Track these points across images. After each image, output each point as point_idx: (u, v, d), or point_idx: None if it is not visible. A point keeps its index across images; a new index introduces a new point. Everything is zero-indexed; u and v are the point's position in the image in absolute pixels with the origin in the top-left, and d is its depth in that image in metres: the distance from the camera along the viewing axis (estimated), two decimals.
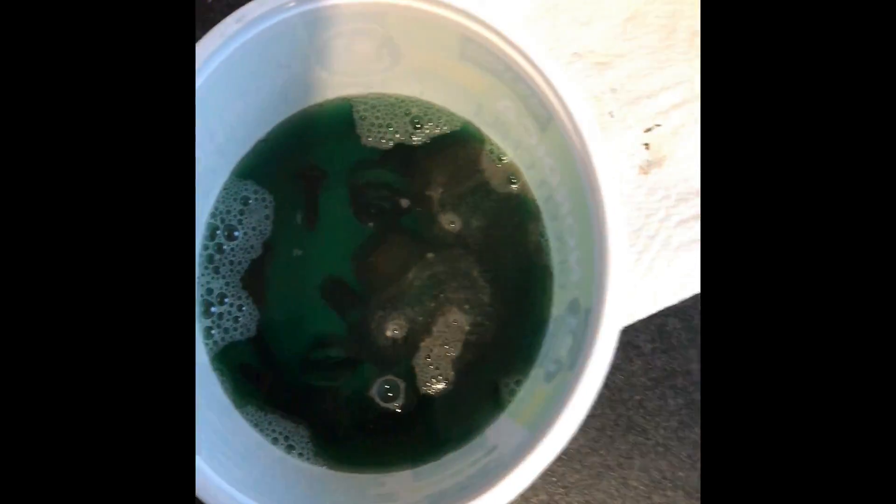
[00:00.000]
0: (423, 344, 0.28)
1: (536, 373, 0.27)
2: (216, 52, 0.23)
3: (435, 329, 0.28)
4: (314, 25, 0.25)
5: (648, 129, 0.33)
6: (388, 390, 0.28)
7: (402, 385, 0.28)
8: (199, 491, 0.21)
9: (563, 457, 0.31)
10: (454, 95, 0.29)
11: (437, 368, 0.28)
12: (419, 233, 0.29)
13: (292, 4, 0.23)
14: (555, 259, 0.28)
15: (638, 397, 0.32)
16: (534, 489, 0.31)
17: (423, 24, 0.25)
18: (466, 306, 0.28)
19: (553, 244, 0.28)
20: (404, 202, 0.29)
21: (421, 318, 0.28)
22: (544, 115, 0.24)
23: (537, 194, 0.29)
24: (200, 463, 0.21)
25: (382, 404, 0.28)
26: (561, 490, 0.31)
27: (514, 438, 0.23)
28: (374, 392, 0.28)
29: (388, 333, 0.28)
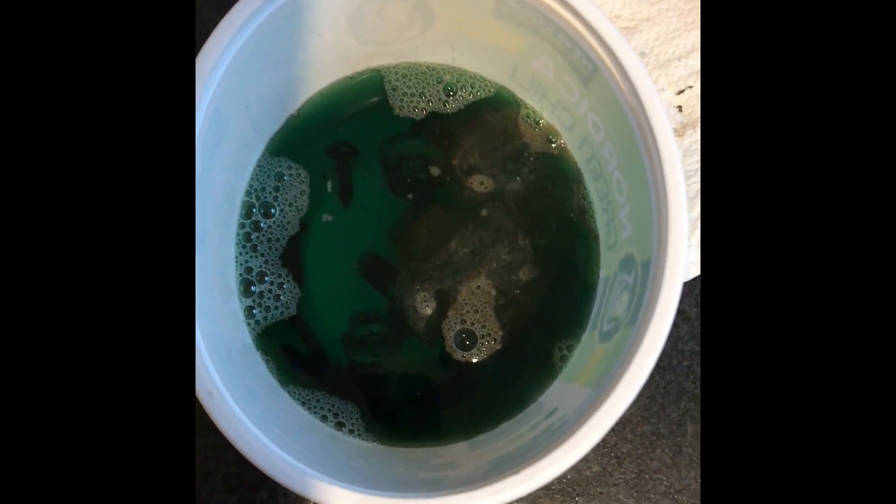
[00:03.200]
0: (466, 315, 0.28)
1: (589, 336, 0.26)
2: (252, 17, 0.22)
3: (478, 299, 0.28)
4: None
5: (681, 92, 0.33)
6: (435, 363, 0.27)
7: (447, 357, 0.27)
8: (263, 463, 0.20)
9: (615, 426, 0.31)
10: (488, 59, 0.28)
11: (482, 338, 0.27)
12: (456, 203, 0.28)
13: None
14: (600, 220, 0.27)
15: (686, 363, 0.31)
16: (586, 461, 0.30)
17: None
18: (510, 275, 0.28)
19: (597, 205, 0.27)
20: (440, 172, 0.29)
21: (463, 289, 0.28)
22: (588, 68, 0.24)
23: (578, 155, 0.28)
24: (259, 434, 0.21)
25: (430, 377, 0.27)
26: (614, 461, 0.30)
27: (576, 398, 0.23)
28: (420, 365, 0.27)
29: (430, 306, 0.28)
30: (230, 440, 0.20)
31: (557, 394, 0.25)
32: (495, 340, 0.27)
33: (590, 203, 0.28)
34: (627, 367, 0.21)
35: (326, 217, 0.28)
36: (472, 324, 0.27)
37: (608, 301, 0.25)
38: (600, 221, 0.27)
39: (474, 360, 0.27)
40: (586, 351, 0.26)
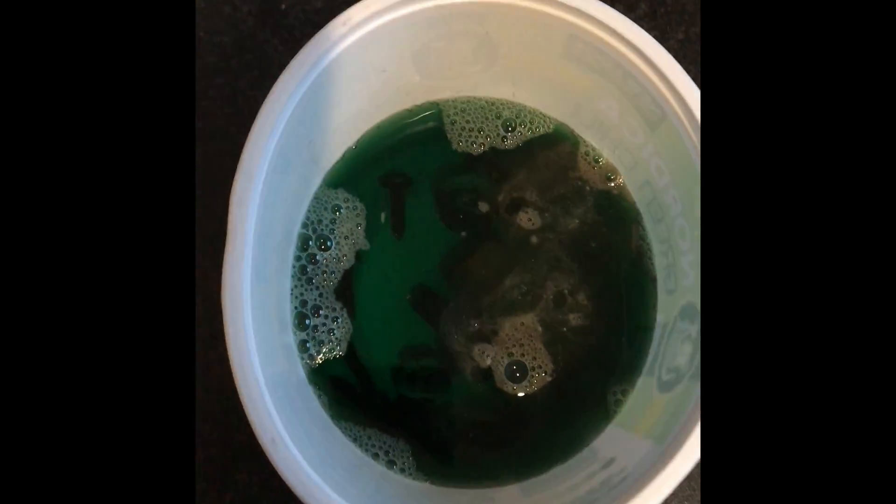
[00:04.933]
0: (517, 352, 0.27)
1: (646, 382, 0.26)
2: (322, 57, 0.22)
3: (529, 337, 0.27)
4: (417, 27, 0.24)
5: None
6: (485, 399, 0.27)
7: (497, 391, 0.27)
8: None
9: None
10: (549, 96, 0.28)
11: (533, 370, 0.27)
12: (511, 239, 0.28)
13: (398, 6, 0.23)
14: (659, 263, 0.27)
15: None
16: None
17: (528, 23, 0.24)
18: (563, 314, 0.28)
19: (656, 248, 0.27)
20: (495, 208, 0.28)
21: (515, 326, 0.28)
22: (657, 114, 0.23)
23: (638, 196, 0.28)
24: (319, 481, 0.20)
25: (479, 414, 0.27)
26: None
27: (637, 451, 0.22)
28: (470, 401, 0.27)
29: (482, 342, 0.27)
30: (293, 489, 0.20)
31: (614, 442, 0.25)
32: (546, 373, 0.27)
33: (648, 245, 0.27)
34: (694, 424, 0.20)
35: (380, 249, 0.28)
36: (523, 356, 0.27)
37: (667, 349, 0.25)
38: (659, 264, 0.27)
39: (524, 394, 0.27)
40: (643, 399, 0.25)
